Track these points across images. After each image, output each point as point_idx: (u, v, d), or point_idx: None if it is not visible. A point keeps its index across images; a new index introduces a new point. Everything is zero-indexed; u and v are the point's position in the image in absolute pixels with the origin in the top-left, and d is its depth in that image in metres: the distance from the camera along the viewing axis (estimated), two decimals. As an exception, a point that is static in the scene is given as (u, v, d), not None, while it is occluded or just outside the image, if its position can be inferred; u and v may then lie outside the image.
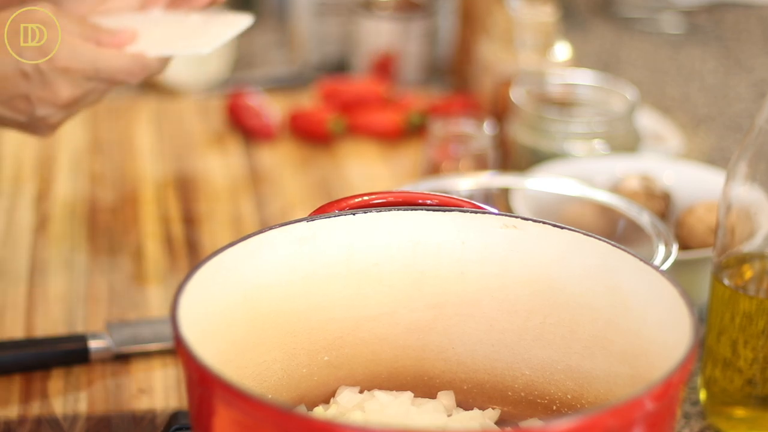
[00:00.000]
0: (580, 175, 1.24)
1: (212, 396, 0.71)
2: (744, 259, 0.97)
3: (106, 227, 1.28)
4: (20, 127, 1.06)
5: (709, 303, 0.99)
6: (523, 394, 0.88)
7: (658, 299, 0.80)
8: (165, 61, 1.06)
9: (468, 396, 0.89)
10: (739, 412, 0.99)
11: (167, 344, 1.06)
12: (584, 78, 1.42)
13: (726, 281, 0.97)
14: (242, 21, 1.07)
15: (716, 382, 0.99)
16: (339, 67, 1.70)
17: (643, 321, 0.81)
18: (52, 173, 1.40)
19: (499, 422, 0.87)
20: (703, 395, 1.02)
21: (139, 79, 1.04)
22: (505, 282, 0.87)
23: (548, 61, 1.46)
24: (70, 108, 1.04)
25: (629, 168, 1.26)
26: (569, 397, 0.86)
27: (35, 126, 1.06)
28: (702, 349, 1.02)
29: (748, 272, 0.97)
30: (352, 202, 0.86)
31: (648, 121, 1.47)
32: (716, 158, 1.47)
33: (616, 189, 1.22)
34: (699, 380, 1.03)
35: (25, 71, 1.01)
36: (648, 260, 0.82)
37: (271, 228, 0.83)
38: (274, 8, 1.87)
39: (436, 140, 1.33)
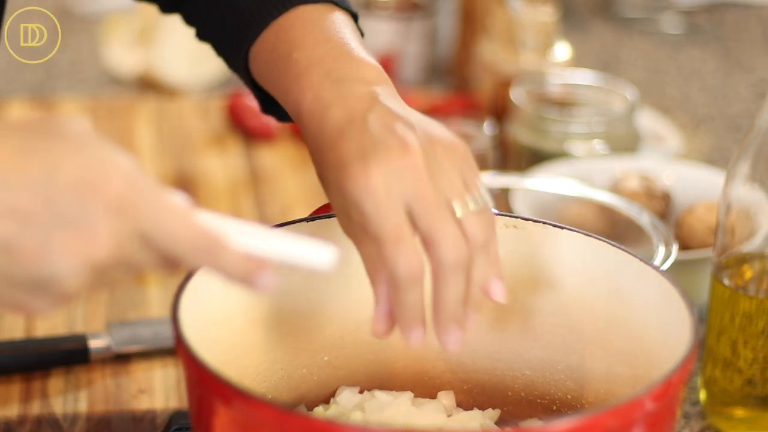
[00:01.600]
0: (580, 175, 1.24)
1: (212, 396, 0.70)
2: (744, 259, 0.97)
3: (106, 227, 1.28)
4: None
5: (709, 303, 0.99)
6: (523, 394, 0.88)
7: (658, 299, 0.80)
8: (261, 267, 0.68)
9: (468, 396, 0.89)
10: (739, 412, 0.99)
11: (167, 344, 1.06)
12: (584, 78, 1.42)
13: (726, 281, 0.97)
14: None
15: (716, 382, 0.99)
16: (339, 67, 1.70)
17: (643, 321, 0.81)
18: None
19: (499, 422, 0.87)
20: (703, 395, 1.02)
21: (202, 263, 0.68)
22: (505, 282, 0.87)
23: (548, 61, 1.46)
24: (97, 276, 0.66)
25: (629, 168, 1.26)
26: (569, 397, 0.86)
27: (32, 294, 0.65)
28: (702, 349, 1.02)
29: (748, 272, 0.97)
30: (352, 202, 0.86)
31: (648, 121, 1.47)
32: (716, 158, 1.47)
33: (616, 189, 1.22)
34: (699, 380, 1.02)
35: (49, 195, 0.64)
36: (648, 260, 0.82)
37: (271, 228, 0.83)
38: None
39: (436, 140, 1.33)
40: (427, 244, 0.73)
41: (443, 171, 0.75)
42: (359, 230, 0.74)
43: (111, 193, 0.64)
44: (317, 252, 0.69)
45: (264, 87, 0.88)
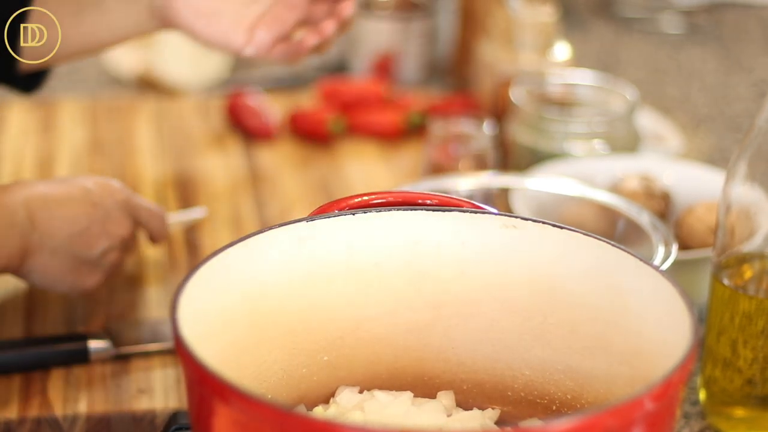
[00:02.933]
0: (580, 175, 1.24)
1: (212, 396, 0.71)
2: (744, 259, 0.97)
3: (106, 227, 1.28)
4: (68, 277, 1.06)
5: (709, 303, 0.99)
6: (523, 394, 0.88)
7: (658, 299, 0.79)
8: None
9: (468, 396, 0.89)
10: (739, 412, 0.99)
11: (167, 344, 1.06)
12: (584, 78, 1.42)
13: (726, 281, 0.97)
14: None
15: (716, 382, 0.99)
16: (339, 67, 1.71)
17: (643, 321, 0.81)
18: (52, 173, 1.40)
19: (499, 422, 0.87)
20: (702, 395, 1.02)
21: (162, 236, 1.16)
22: (505, 282, 0.87)
23: (548, 61, 1.46)
24: (125, 248, 1.10)
25: (629, 168, 1.26)
26: (569, 397, 0.86)
27: (89, 268, 1.06)
28: (702, 349, 1.02)
29: (748, 272, 0.97)
30: (352, 202, 0.86)
31: (648, 121, 1.47)
32: (716, 158, 1.47)
33: (616, 189, 1.22)
34: (699, 380, 1.03)
35: (94, 201, 1.05)
36: (648, 260, 0.82)
37: (271, 228, 0.83)
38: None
39: (436, 140, 1.33)
40: None
41: None
42: None
43: (119, 196, 1.09)
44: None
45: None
